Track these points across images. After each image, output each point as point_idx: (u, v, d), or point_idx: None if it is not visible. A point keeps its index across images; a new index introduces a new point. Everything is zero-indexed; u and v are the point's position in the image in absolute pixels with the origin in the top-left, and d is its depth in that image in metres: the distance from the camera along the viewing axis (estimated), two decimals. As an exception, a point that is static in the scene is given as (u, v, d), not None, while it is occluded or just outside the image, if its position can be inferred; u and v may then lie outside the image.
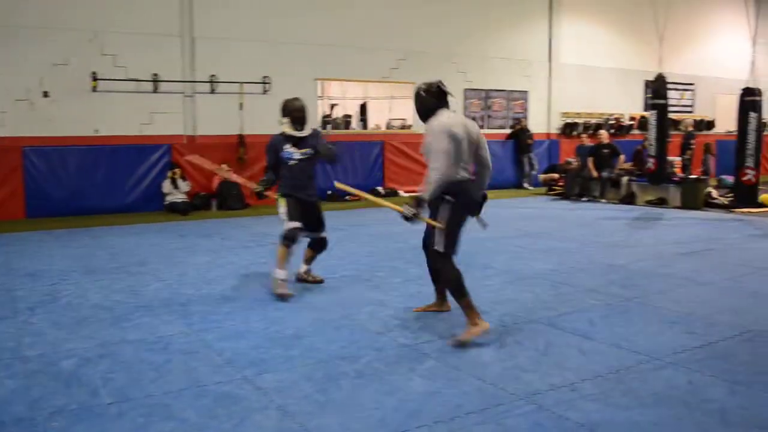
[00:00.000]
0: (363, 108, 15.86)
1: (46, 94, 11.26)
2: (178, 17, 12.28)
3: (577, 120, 17.54)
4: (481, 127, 16.03)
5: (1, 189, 10.98)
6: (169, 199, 12.01)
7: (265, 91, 13.02)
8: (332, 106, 16.22)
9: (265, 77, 13.00)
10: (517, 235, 9.10)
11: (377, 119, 16.30)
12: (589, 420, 3.27)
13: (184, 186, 12.04)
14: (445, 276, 4.61)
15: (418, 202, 4.40)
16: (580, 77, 17.52)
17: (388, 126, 15.82)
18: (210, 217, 11.50)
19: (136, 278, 6.59)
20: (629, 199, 13.36)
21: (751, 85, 11.89)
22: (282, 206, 6.01)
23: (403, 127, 15.49)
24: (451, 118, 4.56)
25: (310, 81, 13.65)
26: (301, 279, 6.39)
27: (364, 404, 3.47)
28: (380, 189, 14.32)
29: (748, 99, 11.69)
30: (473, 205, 4.69)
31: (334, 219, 10.98)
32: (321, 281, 6.36)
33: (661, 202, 12.95)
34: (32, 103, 11.20)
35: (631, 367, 3.98)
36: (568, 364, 4.05)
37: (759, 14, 18.58)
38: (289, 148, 6.05)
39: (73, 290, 6.08)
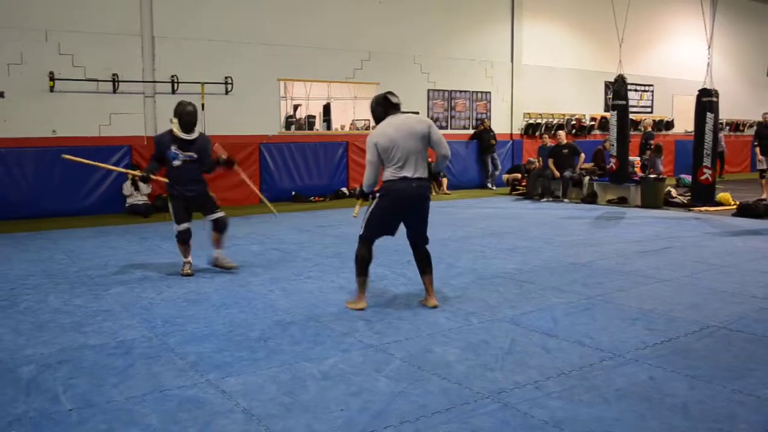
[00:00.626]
0: (327, 108, 15.85)
1: (1, 95, 11.03)
2: (138, 16, 12.12)
3: (539, 120, 17.74)
4: (445, 127, 16.14)
5: (-46, 192, 10.73)
6: (129, 201, 11.86)
7: (227, 92, 12.92)
8: (296, 107, 16.19)
9: (227, 77, 12.90)
10: (481, 235, 9.16)
11: (341, 120, 16.32)
12: (553, 417, 3.31)
13: (145, 188, 11.88)
14: (356, 253, 5.39)
15: (360, 190, 5.44)
16: (542, 78, 17.73)
17: (352, 126, 15.83)
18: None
19: (96, 282, 6.48)
20: (591, 199, 13.56)
21: (707, 86, 12.14)
22: (170, 206, 6.68)
23: (367, 127, 15.51)
24: (382, 127, 5.27)
25: (272, 81, 13.59)
26: (215, 263, 6.87)
27: (330, 406, 3.46)
28: (345, 190, 14.30)
29: (705, 99, 11.94)
30: (402, 200, 5.23)
31: (297, 220, 11.00)
32: (235, 267, 6.85)
33: (622, 201, 13.17)
34: (-15, 104, 10.96)
35: (595, 364, 4.04)
36: (533, 362, 4.09)
37: (714, 17, 19.01)
38: (174, 149, 6.55)
39: (32, 295, 5.96)
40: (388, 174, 5.21)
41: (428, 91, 15.90)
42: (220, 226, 6.80)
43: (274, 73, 13.58)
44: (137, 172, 6.92)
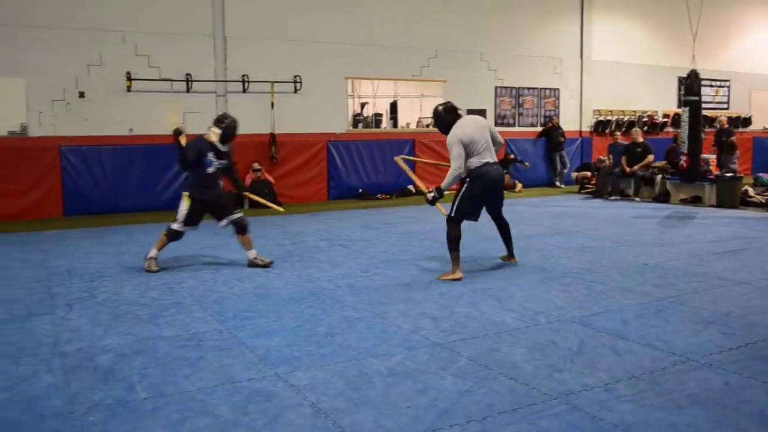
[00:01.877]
0: (393, 106, 15.85)
1: (81, 95, 11.43)
2: (211, 17, 12.38)
3: (609, 117, 17.34)
4: (512, 124, 15.97)
5: (39, 187, 11.19)
6: (202, 197, 12.14)
7: (296, 90, 13.08)
8: (363, 105, 16.26)
9: (296, 76, 13.05)
10: (549, 234, 9.03)
11: (407, 117, 16.29)
12: (623, 421, 3.23)
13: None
14: (448, 234, 6.31)
15: (438, 191, 6.33)
16: (613, 74, 17.30)
17: (419, 124, 15.81)
18: (253, 213, 11.58)
19: (170, 275, 6.67)
20: (663, 198, 13.16)
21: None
22: (184, 204, 6.78)
23: (432, 125, 15.45)
24: (460, 127, 6.29)
25: (340, 79, 13.69)
26: (252, 263, 6.98)
27: (397, 402, 3.47)
28: (411, 188, 14.30)
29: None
30: (489, 181, 6.33)
31: (364, 217, 11.06)
32: (269, 264, 6.96)
33: (696, 201, 12.74)
34: (68, 104, 11.37)
35: (666, 368, 3.92)
36: (602, 364, 4.00)
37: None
38: (211, 156, 6.75)
39: (109, 287, 6.18)
40: (474, 162, 6.24)
41: (495, 88, 15.73)
42: (240, 228, 6.97)
43: (341, 71, 13.69)
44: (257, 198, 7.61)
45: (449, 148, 6.23)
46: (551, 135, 16.22)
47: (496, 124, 15.93)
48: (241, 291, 6.00)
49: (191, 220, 6.88)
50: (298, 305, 5.46)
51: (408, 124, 15.92)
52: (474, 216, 6.45)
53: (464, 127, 6.29)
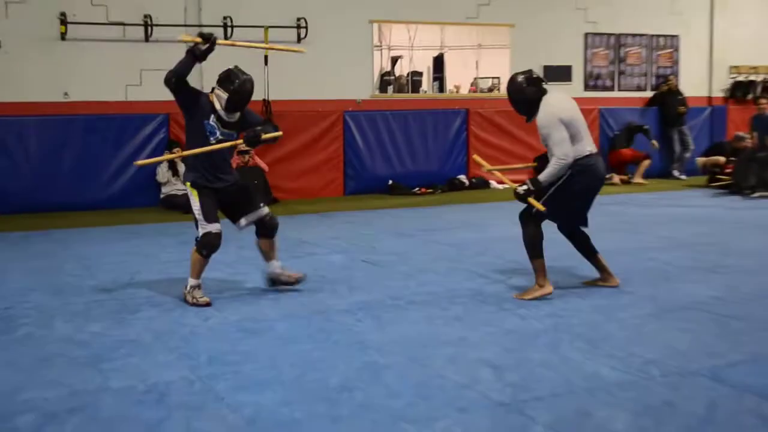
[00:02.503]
0: (438, 62, 15.83)
1: (-3, 44, 11.59)
2: (179, -65, 12.52)
3: (752, 77, 17.17)
4: (610, 87, 15.88)
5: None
6: (166, 190, 12.26)
7: (299, 39, 13.14)
8: (394, 60, 16.24)
9: (299, 20, 13.11)
10: (665, 246, 8.96)
11: (459, 78, 16.25)
12: None
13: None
14: (525, 236, 6.58)
15: (534, 183, 6.41)
16: (760, 13, 17.11)
17: (474, 87, 15.76)
18: (222, 215, 11.63)
19: (121, 301, 6.71)
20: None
21: None
22: (195, 201, 6.63)
23: (494, 89, 15.42)
24: (555, 102, 6.50)
25: (362, 24, 13.73)
26: (275, 281, 6.97)
27: (442, 488, 3.44)
28: (463, 178, 14.28)
29: None
30: (598, 176, 6.66)
31: (396, 220, 11.03)
32: (301, 278, 6.98)
33: None
34: (-21, 56, 11.55)
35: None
36: (744, 436, 3.95)
37: None
38: (213, 121, 6.67)
39: (34, 317, 6.22)
40: (575, 151, 6.41)
41: (585, 35, 15.68)
42: (268, 228, 6.93)
43: (364, 13, 13.73)
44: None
45: (545, 132, 6.40)
46: (667, 103, 16.13)
47: (587, 87, 15.86)
48: (220, 324, 6.01)
49: (212, 212, 6.67)
50: (300, 345, 5.46)
51: (458, 88, 15.90)
52: (570, 221, 6.83)
53: (561, 102, 6.57)
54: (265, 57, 12.70)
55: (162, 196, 12.25)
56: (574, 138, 6.42)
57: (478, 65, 16.31)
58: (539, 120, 6.44)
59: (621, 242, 9.18)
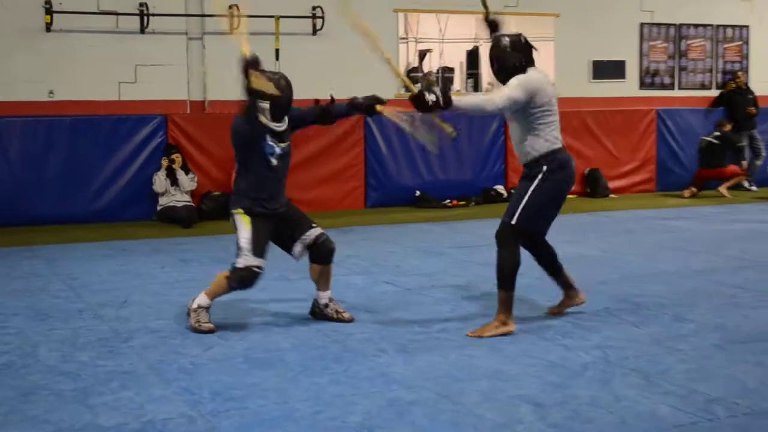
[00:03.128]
0: (472, 56, 15.84)
1: (-27, 38, 11.69)
2: None
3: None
4: (669, 85, 15.84)
5: None
6: (164, 201, 12.28)
7: (314, 31, 13.19)
8: (423, 54, 16.26)
9: (315, 8, 13.16)
10: (733, 268, 8.91)
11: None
12: None
13: (188, 182, 12.27)
14: (499, 260, 6.42)
15: (445, 99, 5.99)
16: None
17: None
18: (227, 231, 11.60)
19: (112, 327, 6.74)
20: None
21: None
22: (244, 228, 6.58)
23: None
24: (540, 76, 6.45)
25: (386, 14, 13.77)
26: (321, 315, 6.87)
27: None
28: (500, 188, 14.27)
29: None
30: (572, 179, 6.59)
31: (425, 236, 11.03)
32: (351, 320, 6.85)
33: None
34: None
35: None
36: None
37: None
38: (270, 141, 6.61)
39: (15, 344, 6.25)
40: (552, 140, 6.41)
41: (641, 26, 15.65)
42: (322, 252, 6.83)
43: (388, 1, 13.77)
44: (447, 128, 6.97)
45: (505, 85, 6.33)
46: (735, 103, 16.05)
47: (642, 86, 15.82)
48: (224, 353, 6.02)
49: (262, 244, 6.61)
50: (315, 378, 5.46)
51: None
52: (545, 226, 6.68)
53: (545, 79, 6.57)
54: (276, 51, 12.74)
55: (159, 207, 12.28)
56: (553, 124, 6.43)
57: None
58: (512, 79, 6.34)
59: (682, 262, 9.14)
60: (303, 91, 12.77)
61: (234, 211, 6.71)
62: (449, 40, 16.52)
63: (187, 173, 12.28)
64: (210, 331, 6.47)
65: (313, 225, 6.87)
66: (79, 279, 8.55)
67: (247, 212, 6.60)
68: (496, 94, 6.33)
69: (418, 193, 13.85)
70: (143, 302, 7.58)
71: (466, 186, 14.20)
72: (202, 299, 6.57)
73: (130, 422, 4.72)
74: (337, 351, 6.07)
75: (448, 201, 13.88)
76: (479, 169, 14.33)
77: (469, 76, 15.64)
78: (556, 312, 6.92)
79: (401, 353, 6.01)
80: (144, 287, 8.14)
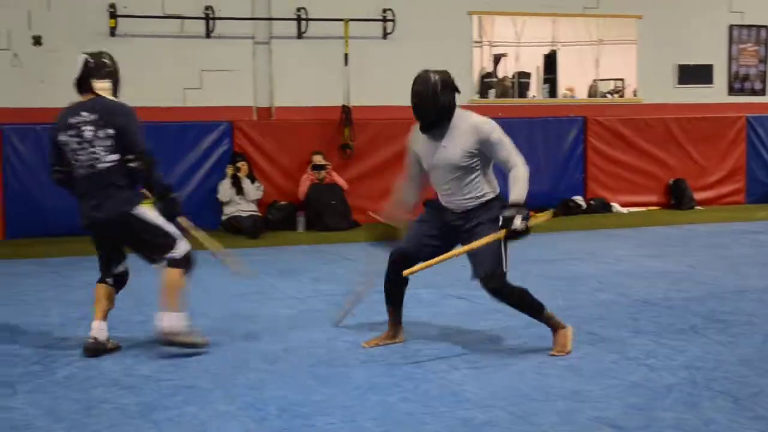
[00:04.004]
0: (550, 61, 15.78)
1: (37, 41, 11.85)
2: None
3: None
4: (759, 91, 15.61)
5: (-35, 192, 11.65)
6: (229, 211, 12.38)
7: (385, 35, 13.21)
8: (497, 59, 16.25)
9: (386, 11, 13.18)
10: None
11: (574, 80, 16.18)
12: None
13: (254, 191, 12.35)
14: (512, 300, 6.53)
15: (520, 208, 6.39)
16: None
17: (593, 92, 15.66)
18: (294, 241, 11.76)
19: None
20: None
21: None
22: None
23: (617, 92, 15.29)
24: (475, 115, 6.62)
25: (460, 17, 13.76)
26: (95, 349, 6.46)
27: None
28: (579, 199, 14.17)
29: None
30: None
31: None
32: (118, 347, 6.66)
33: None
34: (15, 56, 11.85)
35: None
36: None
37: None
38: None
39: (76, 357, 6.34)
40: (494, 183, 6.76)
41: (730, 28, 15.45)
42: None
43: (462, 4, 13.76)
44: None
45: (496, 137, 6.41)
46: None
47: (731, 91, 15.63)
48: (291, 368, 6.05)
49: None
50: (383, 396, 5.46)
51: (572, 91, 15.81)
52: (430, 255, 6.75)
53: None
54: (345, 55, 12.78)
55: (224, 217, 12.39)
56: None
57: (599, 65, 16.21)
58: (482, 126, 6.42)
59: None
60: (371, 96, 12.91)
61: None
62: (525, 44, 16.49)
63: (252, 182, 12.37)
64: (203, 345, 6.51)
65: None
66: (142, 290, 8.62)
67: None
68: (513, 157, 6.47)
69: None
70: (207, 314, 7.64)
71: (544, 196, 13.99)
72: (175, 320, 6.44)
73: (193, 439, 4.78)
74: (406, 368, 6.07)
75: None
76: (557, 179, 14.20)
77: (546, 80, 15.58)
78: (374, 344, 6.64)
79: (473, 370, 6.00)
80: (209, 298, 8.19)
